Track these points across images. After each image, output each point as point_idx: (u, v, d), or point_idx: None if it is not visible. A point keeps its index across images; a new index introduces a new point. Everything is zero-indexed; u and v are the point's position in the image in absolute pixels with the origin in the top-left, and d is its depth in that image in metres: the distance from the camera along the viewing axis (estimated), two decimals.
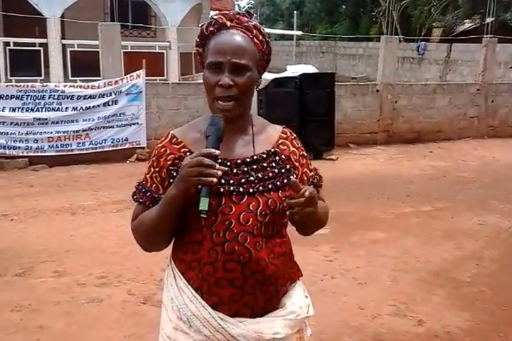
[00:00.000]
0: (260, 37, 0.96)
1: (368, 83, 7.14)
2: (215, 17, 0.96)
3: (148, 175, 1.00)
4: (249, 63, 0.94)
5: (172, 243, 1.01)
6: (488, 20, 13.06)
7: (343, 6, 20.08)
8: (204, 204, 0.86)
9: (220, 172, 0.86)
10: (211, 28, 0.95)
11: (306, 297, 1.04)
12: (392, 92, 6.60)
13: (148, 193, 0.98)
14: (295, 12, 18.04)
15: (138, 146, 5.45)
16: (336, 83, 6.02)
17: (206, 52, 0.96)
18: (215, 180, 0.86)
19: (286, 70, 6.06)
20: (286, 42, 19.12)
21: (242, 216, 0.93)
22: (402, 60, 12.85)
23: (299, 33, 14.67)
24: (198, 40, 0.97)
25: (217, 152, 0.88)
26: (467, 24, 15.31)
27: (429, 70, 13.21)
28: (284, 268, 0.99)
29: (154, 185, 0.98)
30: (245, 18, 0.96)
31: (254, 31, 0.96)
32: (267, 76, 5.66)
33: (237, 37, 0.94)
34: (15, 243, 3.14)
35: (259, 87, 0.99)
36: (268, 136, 1.01)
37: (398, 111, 6.68)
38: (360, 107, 6.50)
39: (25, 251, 3.00)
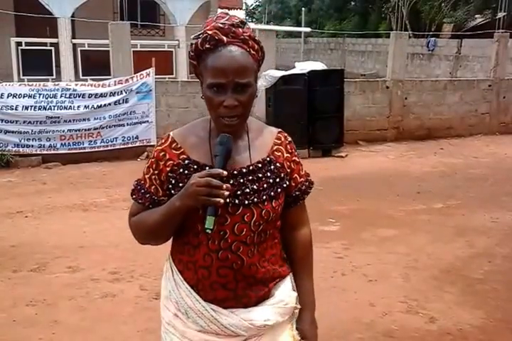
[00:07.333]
0: (256, 46, 0.94)
1: (378, 79, 7.07)
2: (210, 32, 0.91)
3: (147, 176, 1.01)
4: (251, 79, 0.93)
5: (171, 240, 1.04)
6: (500, 15, 12.81)
7: (352, 3, 19.91)
8: (210, 223, 0.89)
9: (226, 193, 0.88)
10: (207, 45, 0.91)
11: (294, 291, 1.07)
12: (402, 89, 6.53)
13: (148, 195, 1.00)
14: (303, 9, 17.93)
15: (148, 144, 5.48)
16: (345, 80, 5.97)
17: (203, 68, 0.93)
18: (221, 200, 0.88)
19: (294, 67, 6.01)
20: (294, 39, 19.01)
21: (236, 227, 0.96)
22: (411, 56, 12.69)
23: (308, 29, 14.55)
24: (192, 54, 0.94)
25: (225, 173, 0.90)
26: (478, 19, 15.04)
27: (439, 66, 13.02)
28: (274, 267, 1.03)
29: (154, 187, 1.00)
30: (240, 30, 0.92)
31: (250, 42, 0.93)
32: (276, 73, 5.60)
33: (237, 54, 0.91)
34: (29, 239, 3.19)
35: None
36: (263, 141, 1.01)
37: (408, 108, 6.61)
38: (369, 104, 6.44)
39: (39, 247, 3.06)
